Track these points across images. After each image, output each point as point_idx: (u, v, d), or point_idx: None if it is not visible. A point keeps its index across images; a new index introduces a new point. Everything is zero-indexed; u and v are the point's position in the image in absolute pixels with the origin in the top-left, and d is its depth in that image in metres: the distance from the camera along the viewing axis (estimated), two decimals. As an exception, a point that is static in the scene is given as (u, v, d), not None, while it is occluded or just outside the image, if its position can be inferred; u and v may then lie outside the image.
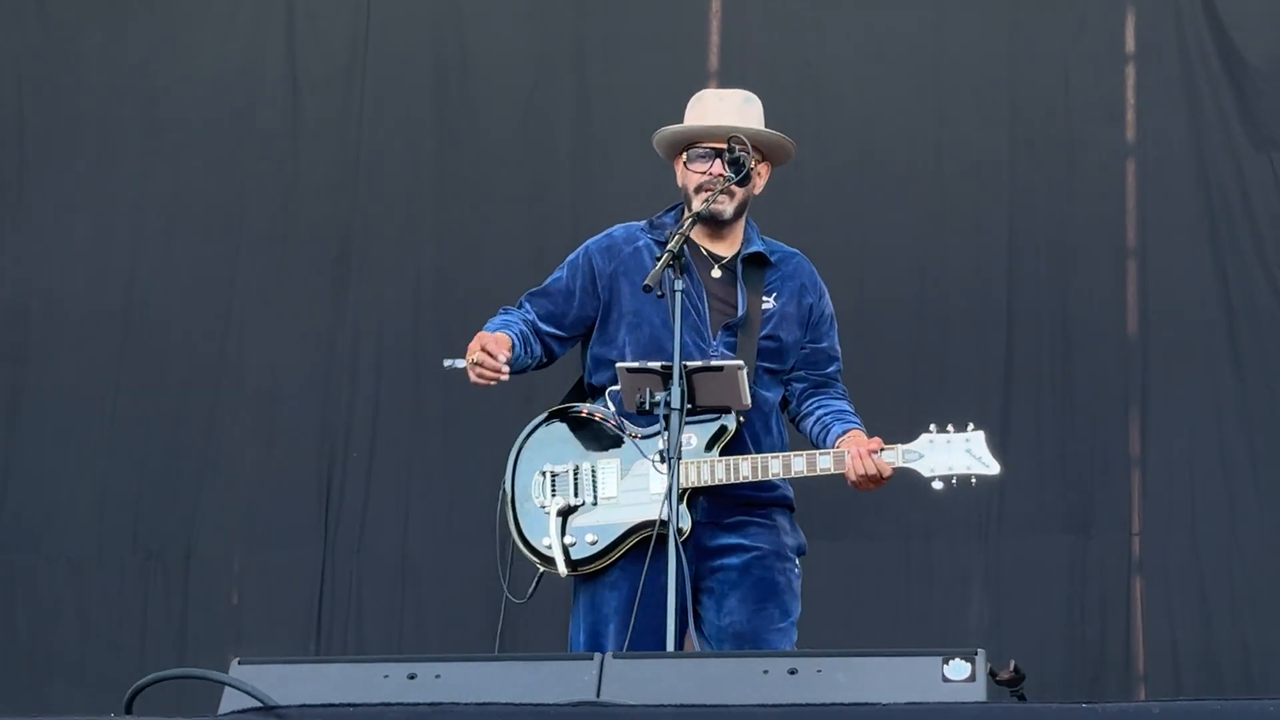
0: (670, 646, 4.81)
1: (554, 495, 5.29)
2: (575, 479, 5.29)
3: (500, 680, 3.88)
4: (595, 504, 5.26)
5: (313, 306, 7.91)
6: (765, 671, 3.88)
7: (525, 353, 5.34)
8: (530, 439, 5.40)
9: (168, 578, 7.79)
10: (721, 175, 5.32)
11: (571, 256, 5.51)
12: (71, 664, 7.74)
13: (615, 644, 5.13)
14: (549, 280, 5.50)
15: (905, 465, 5.20)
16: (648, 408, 4.97)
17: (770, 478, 5.21)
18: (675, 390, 4.94)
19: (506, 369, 5.17)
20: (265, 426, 7.86)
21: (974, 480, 5.22)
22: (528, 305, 5.47)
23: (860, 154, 7.64)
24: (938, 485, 5.23)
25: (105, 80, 8.15)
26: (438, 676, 3.93)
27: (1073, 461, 7.35)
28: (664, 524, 4.97)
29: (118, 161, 8.10)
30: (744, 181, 5.33)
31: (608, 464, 5.25)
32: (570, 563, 5.24)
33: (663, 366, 5.01)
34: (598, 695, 3.82)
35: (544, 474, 5.32)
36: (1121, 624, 7.25)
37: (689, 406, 4.98)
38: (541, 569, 5.31)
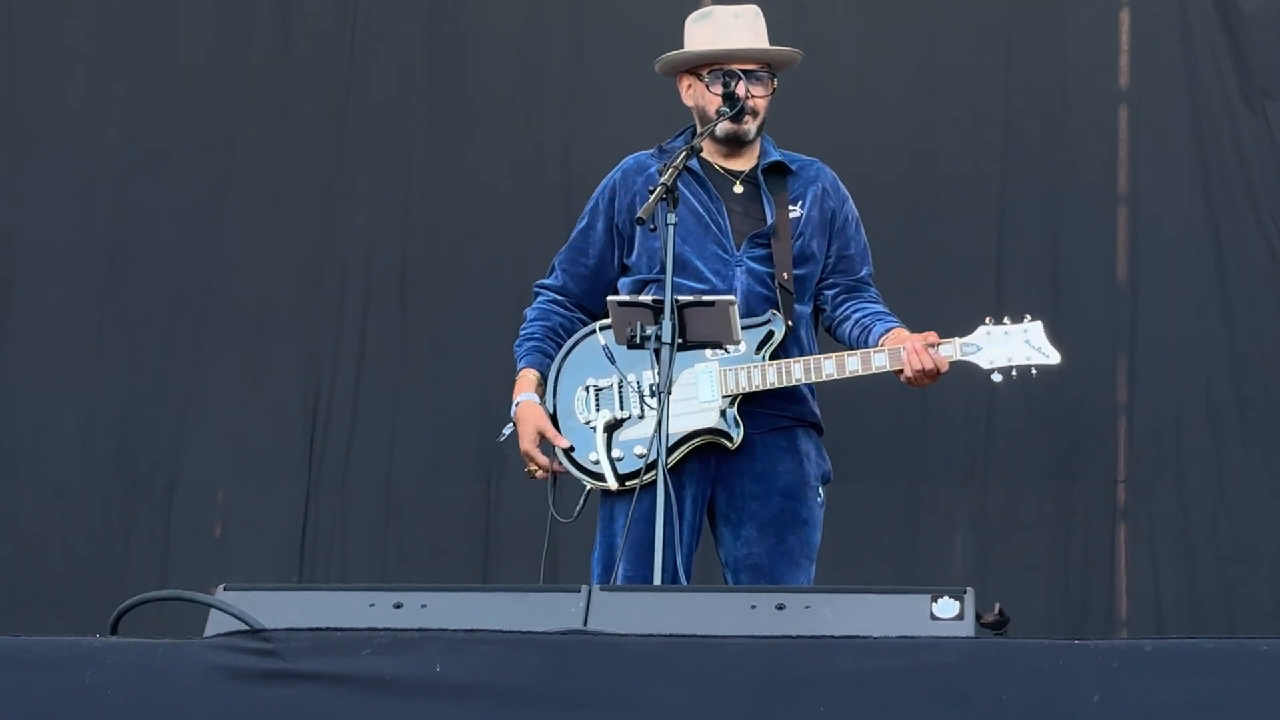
0: (658, 579, 4.80)
1: (599, 410, 5.25)
2: (620, 392, 5.25)
3: (487, 610, 3.87)
4: (642, 417, 5.20)
5: (301, 239, 7.88)
6: (753, 607, 3.87)
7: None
8: (570, 355, 5.36)
9: (151, 508, 7.77)
10: (750, 96, 5.32)
11: (590, 203, 5.49)
12: (53, 592, 7.72)
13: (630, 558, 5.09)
14: (575, 232, 5.50)
15: (963, 358, 5.16)
16: (638, 341, 4.93)
17: (824, 379, 5.16)
18: (666, 325, 4.91)
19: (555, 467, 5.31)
20: (251, 358, 7.83)
21: (1034, 371, 5.16)
22: (550, 291, 5.47)
23: (852, 96, 7.61)
24: (996, 378, 5.16)
25: (96, 8, 8.09)
26: (424, 606, 3.92)
27: (1059, 407, 7.33)
28: (652, 466, 4.91)
29: (107, 90, 8.05)
30: (738, 117, 5.32)
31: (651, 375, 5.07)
32: (618, 476, 5.18)
33: (654, 300, 4.99)
34: (584, 625, 3.82)
35: (587, 389, 5.29)
36: (1105, 571, 7.25)
37: (680, 341, 4.94)
38: (588, 485, 5.26)
